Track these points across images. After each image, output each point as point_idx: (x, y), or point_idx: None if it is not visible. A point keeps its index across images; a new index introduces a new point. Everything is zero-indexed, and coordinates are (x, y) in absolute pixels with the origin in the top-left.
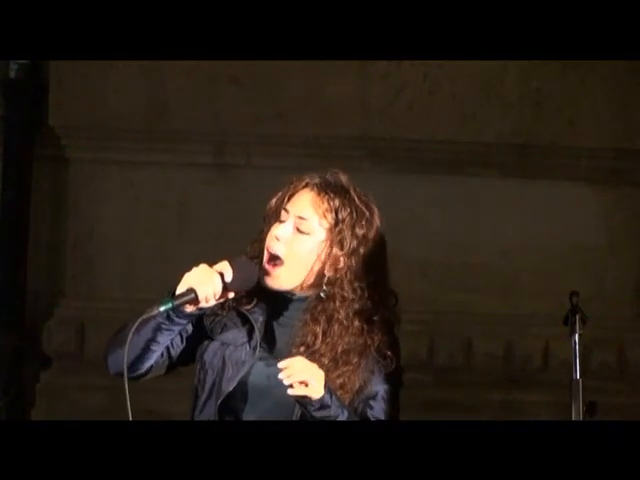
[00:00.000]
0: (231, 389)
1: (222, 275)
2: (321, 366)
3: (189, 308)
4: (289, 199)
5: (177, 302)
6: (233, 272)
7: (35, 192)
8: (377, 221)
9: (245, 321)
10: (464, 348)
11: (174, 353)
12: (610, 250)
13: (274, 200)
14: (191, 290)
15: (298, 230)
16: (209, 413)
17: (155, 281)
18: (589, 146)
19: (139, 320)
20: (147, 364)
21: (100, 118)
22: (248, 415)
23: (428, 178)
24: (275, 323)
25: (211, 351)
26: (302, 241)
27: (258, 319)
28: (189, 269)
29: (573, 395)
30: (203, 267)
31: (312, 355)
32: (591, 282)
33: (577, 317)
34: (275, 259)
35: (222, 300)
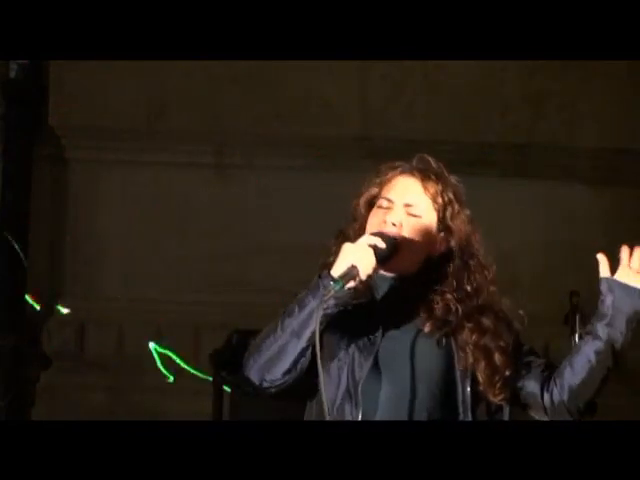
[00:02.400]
0: (366, 372)
1: (375, 248)
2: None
3: (348, 285)
4: (385, 188)
5: (345, 279)
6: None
7: (35, 192)
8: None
9: (357, 305)
10: None
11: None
12: (610, 250)
13: (367, 191)
14: (353, 267)
15: (409, 215)
16: (345, 403)
17: (155, 281)
18: (589, 146)
19: (313, 305)
20: (291, 362)
21: (100, 118)
22: (386, 389)
23: None
24: (381, 302)
25: (334, 344)
26: (415, 225)
27: (373, 300)
28: (189, 269)
29: None
30: (354, 245)
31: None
32: (591, 282)
33: (577, 317)
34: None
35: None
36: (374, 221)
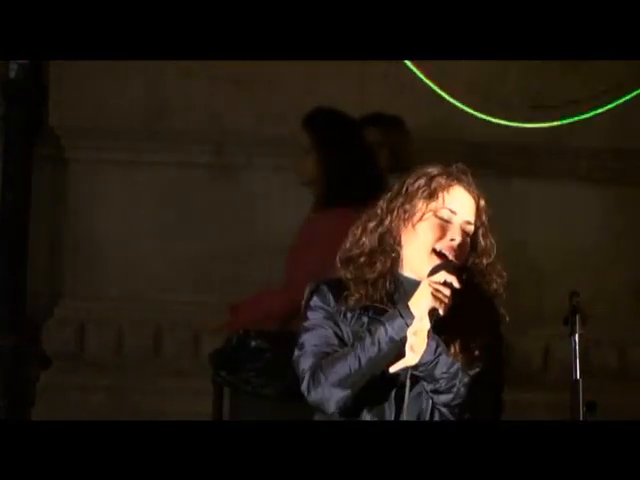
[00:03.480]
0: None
1: (450, 286)
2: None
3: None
4: (439, 196)
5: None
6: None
7: (35, 192)
8: None
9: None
10: None
11: None
12: (610, 250)
13: (413, 195)
14: (434, 309)
15: (464, 232)
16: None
17: (155, 281)
18: (589, 146)
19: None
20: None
21: (100, 118)
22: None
23: None
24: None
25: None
26: (465, 243)
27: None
28: (189, 269)
29: (573, 395)
30: (432, 281)
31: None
32: (591, 282)
33: (577, 317)
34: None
35: None
36: (432, 233)
